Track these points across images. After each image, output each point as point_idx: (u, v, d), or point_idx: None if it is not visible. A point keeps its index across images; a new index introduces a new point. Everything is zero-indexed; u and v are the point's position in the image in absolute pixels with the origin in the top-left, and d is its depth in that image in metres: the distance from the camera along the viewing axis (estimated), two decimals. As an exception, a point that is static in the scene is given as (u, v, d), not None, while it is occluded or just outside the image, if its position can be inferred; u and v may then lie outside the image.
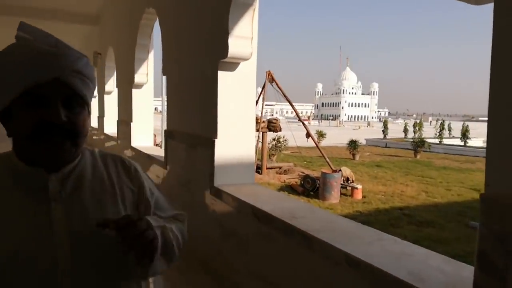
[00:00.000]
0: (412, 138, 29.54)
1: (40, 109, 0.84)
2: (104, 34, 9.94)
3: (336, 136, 34.19)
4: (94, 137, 11.45)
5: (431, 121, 79.91)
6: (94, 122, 13.01)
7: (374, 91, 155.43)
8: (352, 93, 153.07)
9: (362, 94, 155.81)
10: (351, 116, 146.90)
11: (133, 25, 6.48)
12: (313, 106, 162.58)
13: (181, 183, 4.11)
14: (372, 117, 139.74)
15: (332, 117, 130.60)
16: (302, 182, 11.13)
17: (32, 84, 0.82)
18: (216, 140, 3.30)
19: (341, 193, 10.28)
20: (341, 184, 10.39)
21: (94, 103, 13.02)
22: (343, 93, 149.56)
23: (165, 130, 4.75)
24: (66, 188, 0.92)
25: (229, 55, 3.08)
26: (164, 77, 4.83)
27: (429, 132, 37.95)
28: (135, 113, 6.75)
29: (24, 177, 0.90)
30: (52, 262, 0.86)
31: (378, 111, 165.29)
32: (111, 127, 10.61)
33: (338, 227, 2.20)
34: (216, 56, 3.26)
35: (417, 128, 36.64)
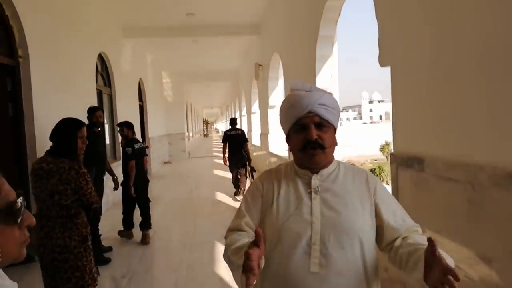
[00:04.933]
0: None
1: (303, 132, 1.28)
2: (267, 42, 8.91)
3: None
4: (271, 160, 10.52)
5: None
6: (256, 140, 12.29)
7: None
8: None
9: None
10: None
11: (311, 14, 4.98)
12: None
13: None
14: None
15: None
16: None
17: (297, 118, 1.29)
18: None
19: None
20: None
21: (256, 121, 12.32)
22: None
23: (391, 155, 2.94)
24: (323, 185, 1.29)
25: None
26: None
27: None
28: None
29: (299, 175, 1.34)
30: (307, 231, 1.23)
31: None
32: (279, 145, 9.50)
33: None
34: None
35: None
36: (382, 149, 23.26)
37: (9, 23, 4.16)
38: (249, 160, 7.86)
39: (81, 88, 6.04)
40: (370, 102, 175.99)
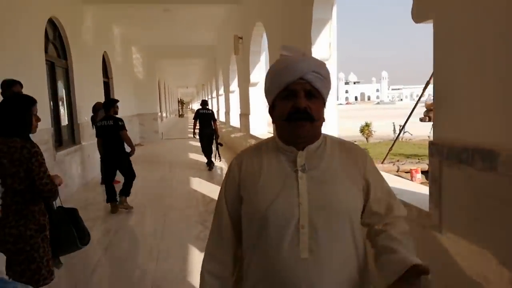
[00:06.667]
0: None
1: (292, 99, 1.13)
2: (248, 10, 7.89)
3: None
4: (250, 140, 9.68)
5: None
6: (235, 121, 11.38)
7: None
8: None
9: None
10: None
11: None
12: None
13: None
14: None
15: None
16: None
17: (287, 83, 1.12)
18: None
19: None
20: None
21: (235, 100, 11.37)
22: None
23: (431, 143, 2.13)
24: (309, 163, 1.15)
25: None
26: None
27: None
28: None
29: (283, 152, 1.18)
30: (295, 214, 1.10)
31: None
32: (260, 126, 8.63)
33: None
34: None
35: None
36: (362, 130, 22.77)
37: None
38: (217, 136, 8.71)
39: (21, 58, 4.92)
40: (346, 83, 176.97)
